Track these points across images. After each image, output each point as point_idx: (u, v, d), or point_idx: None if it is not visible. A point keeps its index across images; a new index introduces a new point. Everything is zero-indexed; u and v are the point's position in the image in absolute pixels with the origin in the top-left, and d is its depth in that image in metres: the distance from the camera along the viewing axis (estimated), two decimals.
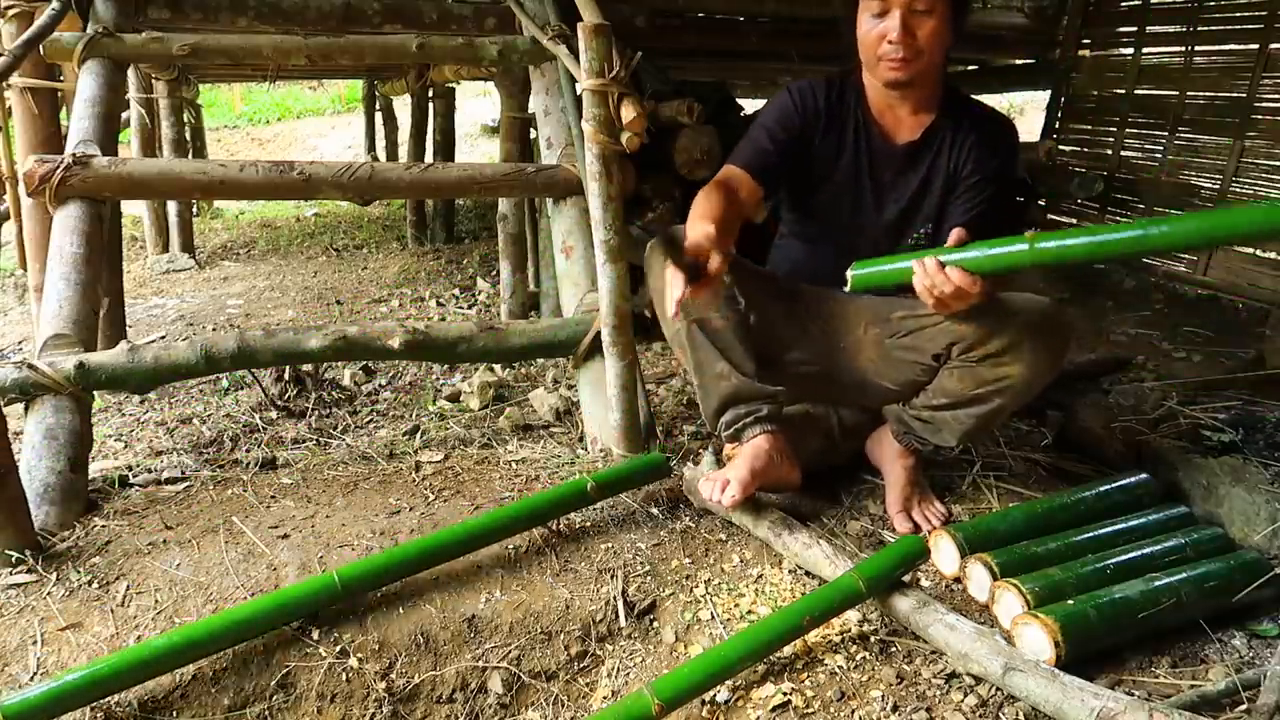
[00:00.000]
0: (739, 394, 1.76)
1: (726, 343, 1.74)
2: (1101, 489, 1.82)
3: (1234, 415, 2.36)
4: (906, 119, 1.81)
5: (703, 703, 1.40)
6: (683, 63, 4.15)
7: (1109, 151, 4.27)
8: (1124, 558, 1.59)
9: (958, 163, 1.79)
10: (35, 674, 1.34)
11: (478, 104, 11.26)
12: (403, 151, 7.10)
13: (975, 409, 1.69)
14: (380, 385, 2.68)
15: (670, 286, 1.48)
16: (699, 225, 1.55)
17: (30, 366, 1.83)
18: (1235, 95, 3.69)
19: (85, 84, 2.34)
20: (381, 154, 8.03)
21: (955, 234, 1.53)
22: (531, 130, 3.18)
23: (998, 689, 1.36)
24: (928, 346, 1.72)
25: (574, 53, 1.89)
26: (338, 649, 1.44)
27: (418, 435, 2.23)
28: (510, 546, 1.66)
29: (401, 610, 1.51)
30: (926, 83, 1.76)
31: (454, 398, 2.55)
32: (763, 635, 1.39)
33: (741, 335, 1.76)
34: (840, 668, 1.42)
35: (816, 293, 1.89)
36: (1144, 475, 1.87)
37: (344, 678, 1.42)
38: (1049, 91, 4.58)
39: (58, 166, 2.07)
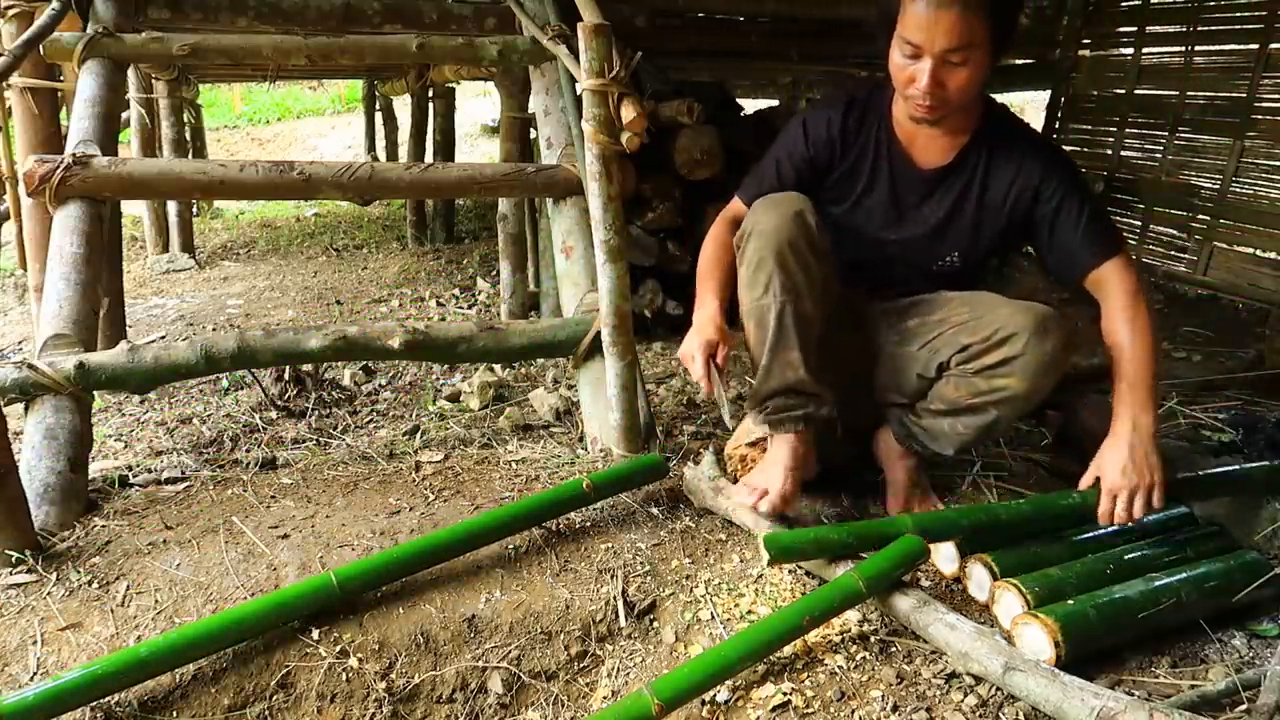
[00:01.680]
0: (799, 386, 1.72)
1: (808, 333, 1.70)
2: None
3: (1234, 415, 2.37)
4: (939, 139, 1.72)
5: (703, 703, 1.39)
6: (683, 63, 4.15)
7: (1109, 151, 4.27)
8: (1124, 558, 1.59)
9: (998, 188, 1.71)
10: (35, 674, 1.34)
11: (478, 104, 11.26)
12: (403, 151, 7.10)
13: (971, 419, 1.69)
14: (380, 385, 2.68)
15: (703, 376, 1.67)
16: (706, 330, 1.68)
17: (30, 366, 1.83)
18: (1235, 95, 3.69)
19: (85, 84, 2.34)
20: (381, 154, 8.04)
21: (1086, 480, 1.62)
22: (531, 130, 3.19)
23: (998, 689, 1.36)
24: (934, 358, 1.72)
25: (574, 53, 1.89)
26: (338, 649, 1.44)
27: (418, 435, 2.23)
28: (510, 546, 1.66)
29: (401, 610, 1.51)
30: (961, 111, 1.66)
31: (454, 398, 2.55)
32: (763, 635, 1.39)
33: (821, 328, 1.72)
34: (840, 668, 1.42)
35: (852, 295, 1.88)
36: None
37: (344, 678, 1.42)
38: (1049, 91, 4.58)
39: (58, 166, 2.07)
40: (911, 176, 1.75)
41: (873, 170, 1.77)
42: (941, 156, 1.73)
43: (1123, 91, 4.19)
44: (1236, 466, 1.93)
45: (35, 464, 1.74)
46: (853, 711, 1.35)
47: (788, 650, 1.45)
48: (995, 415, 1.66)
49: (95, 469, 1.97)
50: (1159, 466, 1.55)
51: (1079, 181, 1.72)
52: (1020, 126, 1.77)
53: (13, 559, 1.54)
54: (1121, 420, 1.59)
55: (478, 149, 10.87)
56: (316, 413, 2.41)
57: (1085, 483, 1.63)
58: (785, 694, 1.37)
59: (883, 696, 1.37)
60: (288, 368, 2.46)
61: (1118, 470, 1.56)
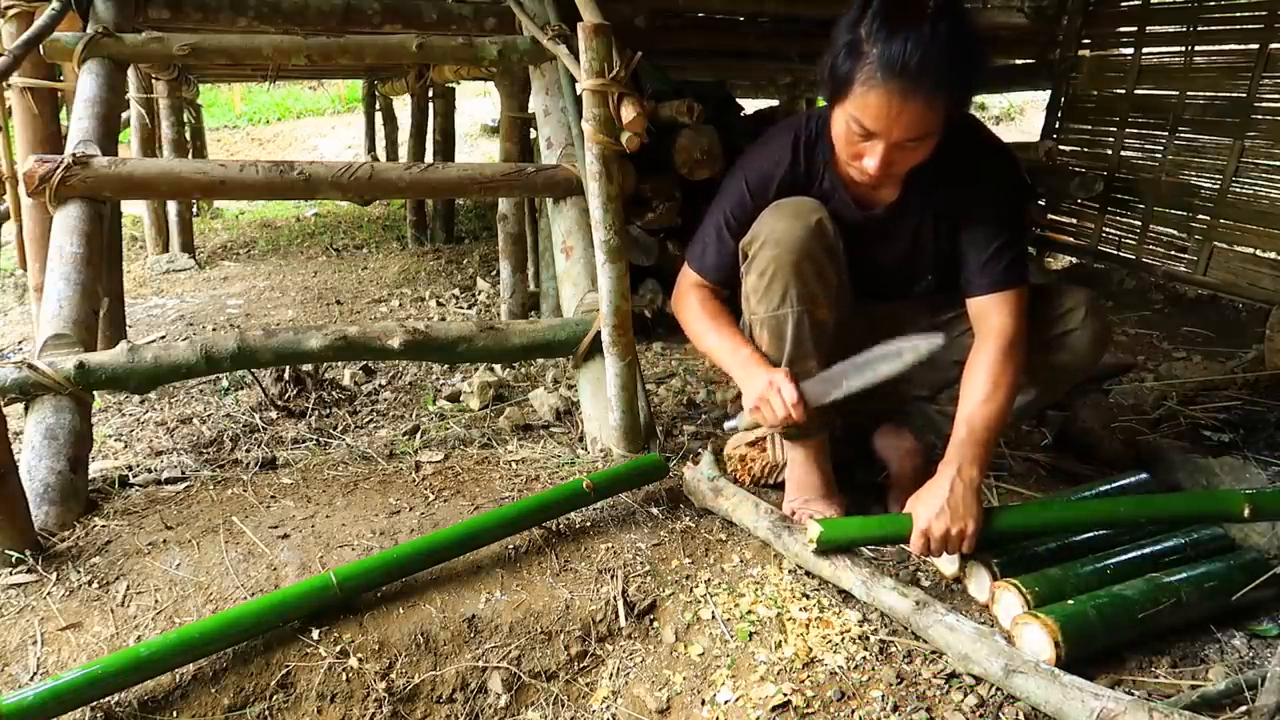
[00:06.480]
0: None
1: (822, 340, 1.69)
2: (1101, 489, 1.82)
3: (1234, 415, 2.37)
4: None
5: (703, 703, 1.40)
6: (683, 63, 4.16)
7: (1109, 151, 4.27)
8: (1124, 558, 1.59)
9: (947, 212, 1.67)
10: (35, 674, 1.34)
11: (478, 104, 11.26)
12: (403, 151, 7.10)
13: None
14: (380, 385, 2.68)
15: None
16: (760, 369, 1.63)
17: (30, 366, 1.83)
18: (1235, 95, 3.68)
19: (85, 84, 2.34)
20: (381, 154, 8.04)
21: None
22: (531, 130, 3.19)
23: (998, 689, 1.36)
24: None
25: (574, 53, 1.89)
26: (338, 649, 1.44)
27: (418, 435, 2.23)
28: (510, 546, 1.66)
29: (401, 610, 1.51)
30: None
31: (454, 398, 2.55)
32: None
33: (832, 334, 1.72)
34: (840, 668, 1.42)
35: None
36: (1144, 475, 1.87)
37: (344, 678, 1.42)
38: (1049, 91, 4.58)
39: (58, 166, 2.07)
40: (861, 219, 1.70)
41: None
42: (892, 191, 1.67)
43: (1123, 91, 4.19)
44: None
45: (35, 464, 1.74)
46: (853, 711, 1.35)
47: (788, 650, 1.45)
48: (1034, 394, 1.69)
49: (95, 469, 1.97)
50: (975, 516, 1.52)
51: (1009, 207, 1.66)
52: (969, 141, 1.64)
53: (13, 559, 1.54)
54: (949, 465, 1.55)
55: (478, 149, 10.87)
56: (316, 413, 2.41)
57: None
58: (785, 694, 1.37)
59: (883, 696, 1.37)
60: (288, 368, 2.46)
61: (933, 514, 1.52)
